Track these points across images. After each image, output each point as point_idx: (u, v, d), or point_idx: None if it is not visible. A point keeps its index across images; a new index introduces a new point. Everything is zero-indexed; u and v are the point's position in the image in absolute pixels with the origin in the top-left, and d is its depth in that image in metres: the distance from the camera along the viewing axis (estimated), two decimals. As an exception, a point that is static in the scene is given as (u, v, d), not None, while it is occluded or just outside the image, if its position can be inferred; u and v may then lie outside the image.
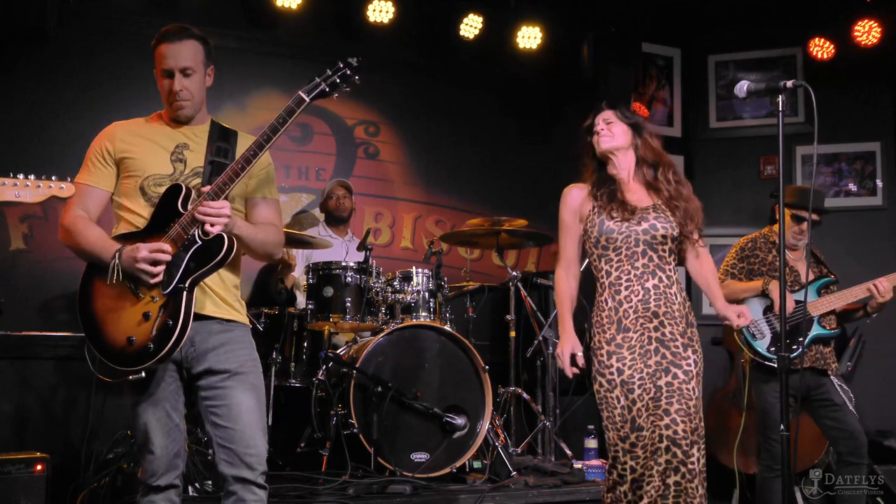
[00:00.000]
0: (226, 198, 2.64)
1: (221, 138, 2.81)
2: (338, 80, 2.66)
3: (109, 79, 5.13)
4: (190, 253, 2.61)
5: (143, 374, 2.61)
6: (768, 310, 4.17)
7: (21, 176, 2.34)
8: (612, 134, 3.18)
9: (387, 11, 5.72)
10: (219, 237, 2.61)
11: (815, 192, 4.13)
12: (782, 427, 2.69)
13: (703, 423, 2.98)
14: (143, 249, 2.57)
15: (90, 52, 5.18)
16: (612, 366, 2.99)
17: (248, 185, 2.83)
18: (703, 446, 2.97)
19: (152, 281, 2.58)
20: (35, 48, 4.99)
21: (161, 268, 2.58)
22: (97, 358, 2.65)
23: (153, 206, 2.70)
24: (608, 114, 3.22)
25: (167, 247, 2.60)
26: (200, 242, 2.62)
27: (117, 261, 2.58)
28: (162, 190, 2.69)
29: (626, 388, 2.97)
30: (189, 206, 2.63)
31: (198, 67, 2.76)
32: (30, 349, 4.65)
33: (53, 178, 2.37)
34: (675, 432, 2.89)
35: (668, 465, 2.89)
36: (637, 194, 3.16)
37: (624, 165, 3.19)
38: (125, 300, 2.63)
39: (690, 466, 2.89)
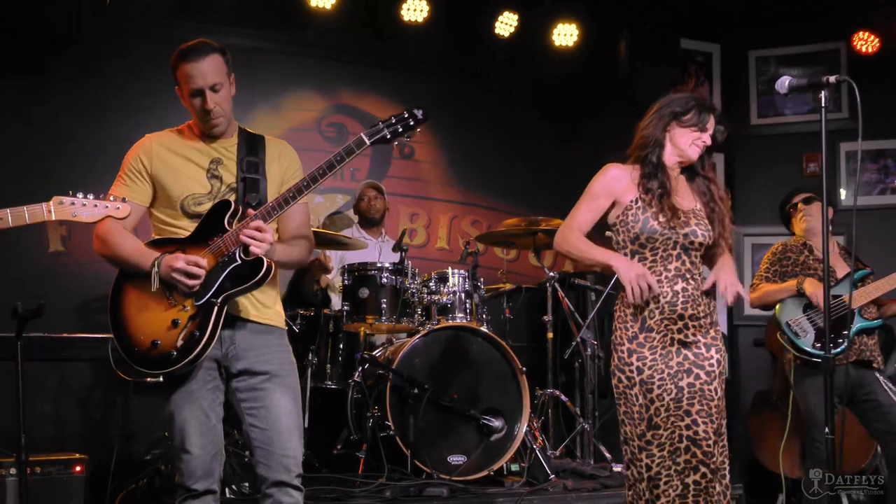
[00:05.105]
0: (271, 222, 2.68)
1: (250, 151, 2.84)
2: (400, 129, 2.70)
3: (140, 82, 5.14)
4: (228, 270, 2.66)
5: (161, 379, 2.69)
6: (808, 307, 4.15)
7: (80, 195, 2.39)
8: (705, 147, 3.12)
9: (421, 10, 5.70)
10: (258, 260, 2.65)
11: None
12: (827, 430, 2.66)
13: (725, 423, 2.97)
14: (181, 260, 2.61)
15: (121, 56, 5.21)
16: (632, 364, 2.97)
17: (282, 190, 2.85)
18: (724, 446, 2.95)
19: (187, 290, 2.63)
20: (66, 52, 5.02)
21: (197, 281, 2.62)
22: (120, 356, 2.71)
23: (197, 219, 2.74)
24: (713, 125, 3.10)
25: (204, 261, 2.64)
26: (240, 262, 2.66)
27: (157, 269, 2.63)
28: (202, 209, 2.74)
29: (644, 388, 2.95)
30: (234, 224, 2.68)
31: (224, 80, 2.77)
32: (68, 351, 4.69)
33: (112, 197, 2.42)
34: (696, 433, 2.88)
35: (688, 464, 2.88)
36: (682, 195, 3.11)
37: (679, 165, 3.15)
38: (157, 304, 2.68)
39: (712, 466, 2.88)
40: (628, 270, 2.94)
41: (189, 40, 2.78)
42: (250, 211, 2.67)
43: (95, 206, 2.42)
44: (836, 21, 6.03)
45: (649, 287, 2.91)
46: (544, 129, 6.36)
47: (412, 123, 2.70)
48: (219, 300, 2.64)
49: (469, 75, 6.15)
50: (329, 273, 5.15)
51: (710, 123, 3.08)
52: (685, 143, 3.06)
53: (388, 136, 2.69)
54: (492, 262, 5.94)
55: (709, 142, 3.09)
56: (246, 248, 2.64)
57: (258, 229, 2.61)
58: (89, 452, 4.13)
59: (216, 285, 2.64)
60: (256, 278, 2.66)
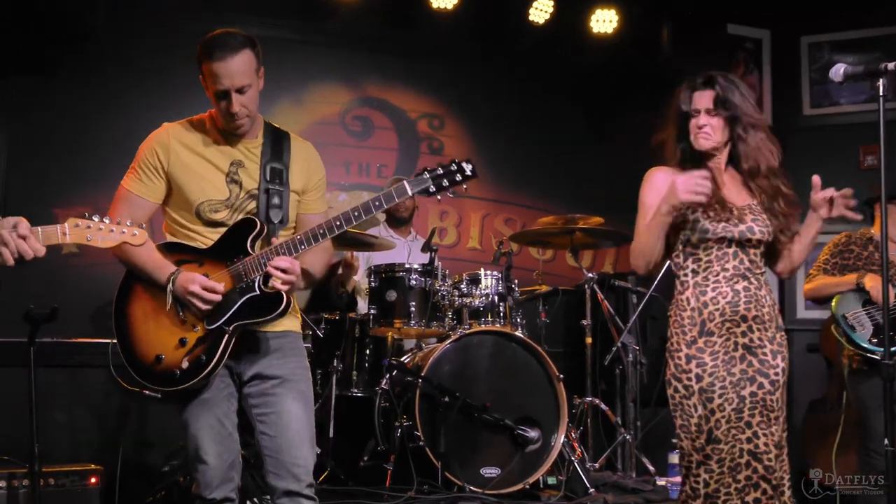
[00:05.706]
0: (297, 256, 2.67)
1: (275, 155, 2.77)
2: (445, 183, 2.69)
3: (154, 75, 5.12)
4: (245, 299, 2.64)
5: (159, 395, 2.70)
6: (868, 303, 4.09)
7: (96, 218, 2.40)
8: (713, 130, 2.91)
9: (451, -4, 5.70)
10: (278, 295, 2.64)
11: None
12: (886, 441, 2.59)
13: (786, 434, 2.89)
14: (197, 284, 2.58)
15: (135, 49, 5.19)
16: (690, 371, 2.85)
17: (303, 199, 2.84)
18: (784, 460, 2.87)
19: (201, 313, 2.62)
20: (78, 47, 5.00)
21: (211, 306, 2.61)
22: (120, 362, 2.71)
23: (212, 226, 2.71)
24: (707, 98, 2.90)
25: (220, 286, 2.61)
26: (259, 293, 2.65)
27: (172, 287, 2.60)
28: (219, 216, 2.70)
29: (704, 397, 2.83)
30: (258, 247, 2.66)
31: (253, 80, 2.67)
32: (82, 357, 4.68)
33: (129, 222, 2.44)
34: (757, 446, 2.80)
35: (749, 481, 2.80)
36: (732, 190, 2.97)
37: (718, 158, 2.99)
38: (166, 318, 2.65)
39: (773, 482, 2.80)
40: (672, 195, 2.74)
41: (205, 33, 2.66)
42: (275, 239, 2.66)
43: (112, 231, 2.42)
44: (894, 3, 5.85)
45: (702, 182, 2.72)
46: (581, 121, 6.30)
47: (459, 179, 2.69)
48: (231, 328, 2.62)
49: (501, 65, 6.09)
50: (355, 274, 5.09)
51: (699, 99, 2.90)
52: (693, 139, 2.94)
53: (433, 189, 2.68)
54: (526, 262, 5.89)
55: (704, 120, 2.89)
56: (266, 277, 2.62)
57: (286, 265, 2.60)
58: (104, 463, 4.12)
59: (230, 312, 2.62)
60: (275, 313, 2.64)
